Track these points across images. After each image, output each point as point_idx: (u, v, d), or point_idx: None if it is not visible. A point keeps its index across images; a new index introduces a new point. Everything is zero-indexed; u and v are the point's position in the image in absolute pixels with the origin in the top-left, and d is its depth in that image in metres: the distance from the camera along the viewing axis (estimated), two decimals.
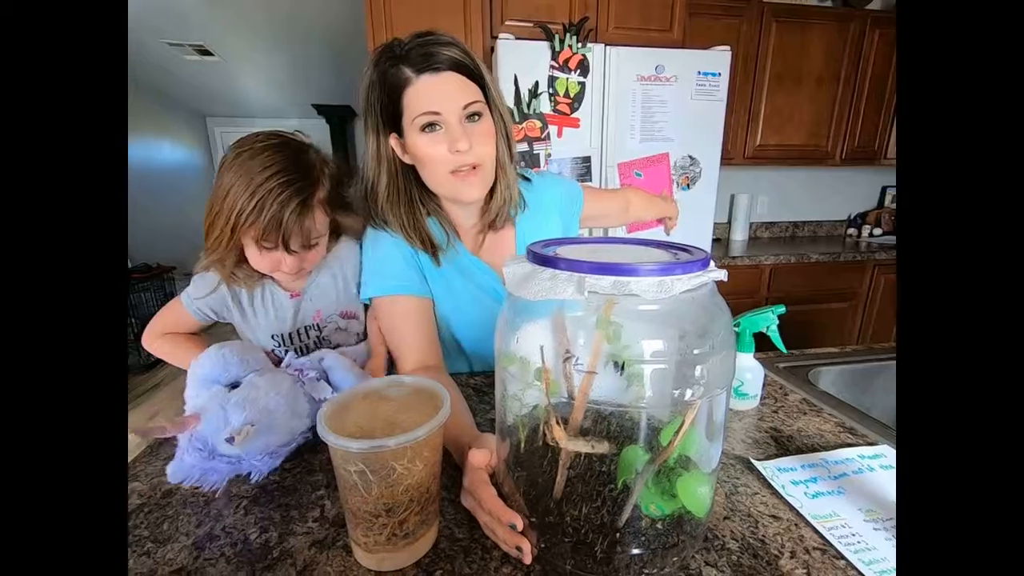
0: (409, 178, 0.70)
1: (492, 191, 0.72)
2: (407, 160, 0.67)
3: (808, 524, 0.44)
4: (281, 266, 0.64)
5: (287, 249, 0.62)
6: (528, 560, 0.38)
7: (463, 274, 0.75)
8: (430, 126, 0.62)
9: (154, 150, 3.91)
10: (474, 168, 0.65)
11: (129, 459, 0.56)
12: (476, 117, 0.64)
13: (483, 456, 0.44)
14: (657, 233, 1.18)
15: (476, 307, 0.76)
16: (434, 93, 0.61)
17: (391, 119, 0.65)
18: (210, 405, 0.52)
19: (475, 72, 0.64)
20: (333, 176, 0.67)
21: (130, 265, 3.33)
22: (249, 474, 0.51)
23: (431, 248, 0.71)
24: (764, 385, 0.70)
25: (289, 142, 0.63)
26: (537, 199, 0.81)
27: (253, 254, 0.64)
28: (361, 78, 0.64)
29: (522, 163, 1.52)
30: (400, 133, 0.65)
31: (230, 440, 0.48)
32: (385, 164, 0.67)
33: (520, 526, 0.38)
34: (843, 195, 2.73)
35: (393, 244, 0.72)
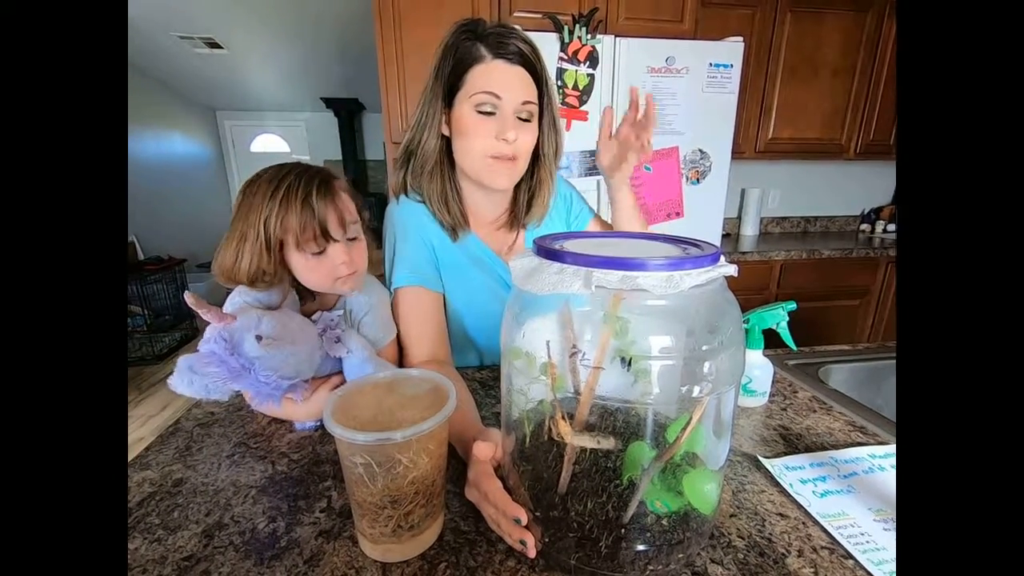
0: (445, 152, 0.72)
1: (535, 193, 0.75)
2: (446, 132, 0.69)
3: (816, 523, 0.44)
4: (338, 264, 0.59)
5: (328, 237, 0.58)
6: (532, 554, 0.38)
7: (479, 266, 0.76)
8: (486, 107, 0.64)
9: (165, 143, 3.95)
10: (512, 159, 0.67)
11: (141, 448, 0.57)
12: (527, 116, 0.67)
13: (488, 449, 0.44)
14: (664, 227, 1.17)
15: (493, 300, 0.76)
16: (502, 79, 0.64)
17: (448, 90, 0.67)
18: (247, 309, 0.54)
19: (540, 76, 0.67)
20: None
21: (142, 257, 3.38)
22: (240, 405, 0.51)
23: (458, 221, 0.73)
24: (773, 382, 0.69)
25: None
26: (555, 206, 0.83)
27: (302, 269, 0.59)
28: (439, 44, 0.67)
29: None
30: (449, 105, 0.67)
31: (258, 338, 0.50)
32: (435, 131, 0.69)
33: (524, 520, 0.38)
34: (857, 190, 2.67)
35: (416, 234, 0.73)
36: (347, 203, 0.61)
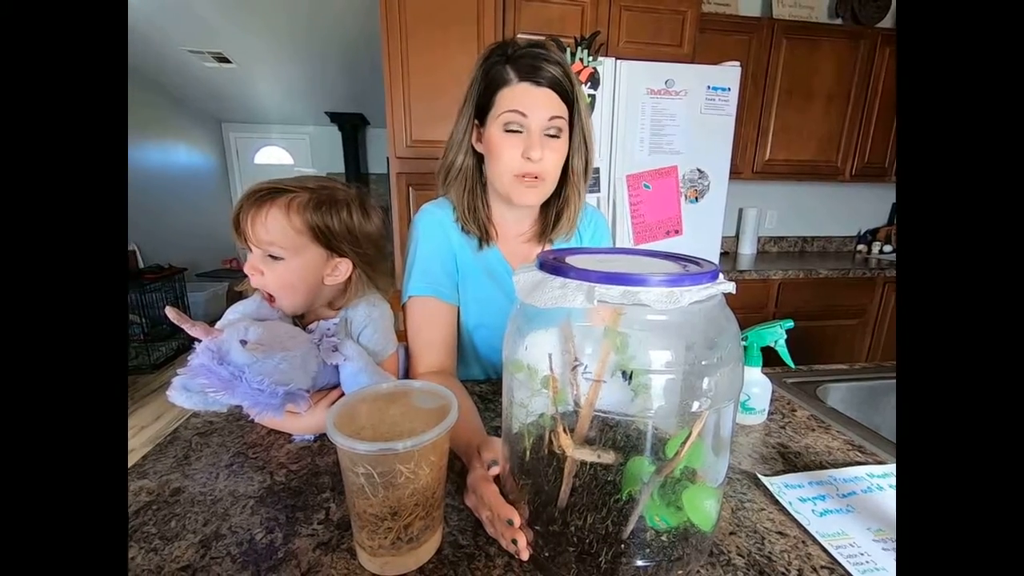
0: (477, 168, 0.74)
1: (562, 210, 0.76)
2: (479, 148, 0.71)
3: (816, 542, 0.43)
4: (247, 267, 0.62)
5: (246, 242, 0.60)
6: (525, 556, 0.38)
7: (494, 280, 0.77)
8: (512, 126, 0.66)
9: (170, 154, 3.99)
10: (536, 178, 0.68)
11: (139, 456, 0.57)
12: (556, 132, 0.68)
13: (495, 469, 0.44)
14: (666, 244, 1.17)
15: (502, 315, 0.77)
16: (527, 99, 0.66)
17: (480, 109, 0.69)
18: (236, 322, 0.55)
19: (569, 95, 0.68)
20: (330, 203, 0.61)
21: (142, 266, 3.38)
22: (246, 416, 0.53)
23: (483, 233, 0.75)
24: (772, 400, 0.69)
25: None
26: (584, 227, 0.86)
27: None
28: (472, 69, 0.70)
29: None
30: (482, 123, 0.70)
31: (243, 342, 0.50)
32: (464, 148, 0.72)
33: (517, 522, 0.38)
34: (853, 211, 2.71)
35: (437, 243, 0.74)
36: (274, 217, 0.58)
